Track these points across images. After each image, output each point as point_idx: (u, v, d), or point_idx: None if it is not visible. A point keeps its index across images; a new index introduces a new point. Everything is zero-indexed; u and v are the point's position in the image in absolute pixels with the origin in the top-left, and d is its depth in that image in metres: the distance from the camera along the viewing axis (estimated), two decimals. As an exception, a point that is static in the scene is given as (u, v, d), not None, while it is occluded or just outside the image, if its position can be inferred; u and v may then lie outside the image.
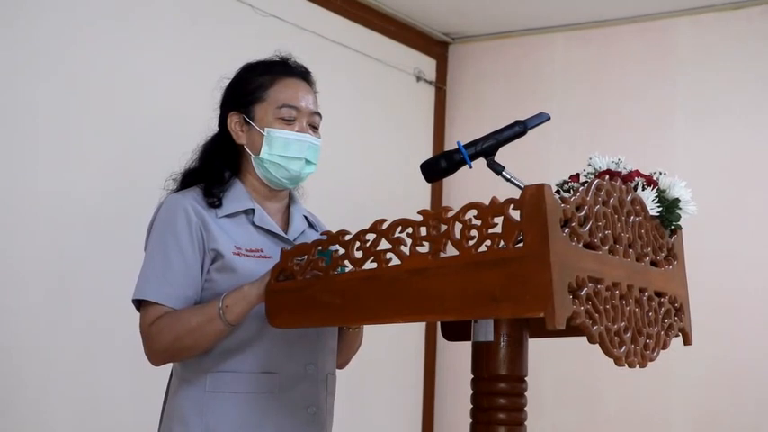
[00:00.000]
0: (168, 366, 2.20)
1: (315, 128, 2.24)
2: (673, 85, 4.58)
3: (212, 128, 2.30)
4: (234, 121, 2.22)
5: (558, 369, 4.55)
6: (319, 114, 2.25)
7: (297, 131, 2.19)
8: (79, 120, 3.26)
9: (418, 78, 4.95)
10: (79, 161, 3.25)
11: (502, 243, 1.63)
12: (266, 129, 2.17)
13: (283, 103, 2.19)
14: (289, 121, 2.18)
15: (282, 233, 2.21)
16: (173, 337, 2.04)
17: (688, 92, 4.54)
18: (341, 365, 2.32)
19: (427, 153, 4.87)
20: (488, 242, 1.64)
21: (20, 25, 3.10)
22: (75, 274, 3.21)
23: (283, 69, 2.25)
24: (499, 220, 1.65)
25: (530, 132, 2.04)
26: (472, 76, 5.10)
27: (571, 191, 1.86)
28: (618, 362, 1.71)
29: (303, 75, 2.27)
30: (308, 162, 2.21)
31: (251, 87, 2.21)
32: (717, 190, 4.29)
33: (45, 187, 3.14)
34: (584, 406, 4.61)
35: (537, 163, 4.41)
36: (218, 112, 2.28)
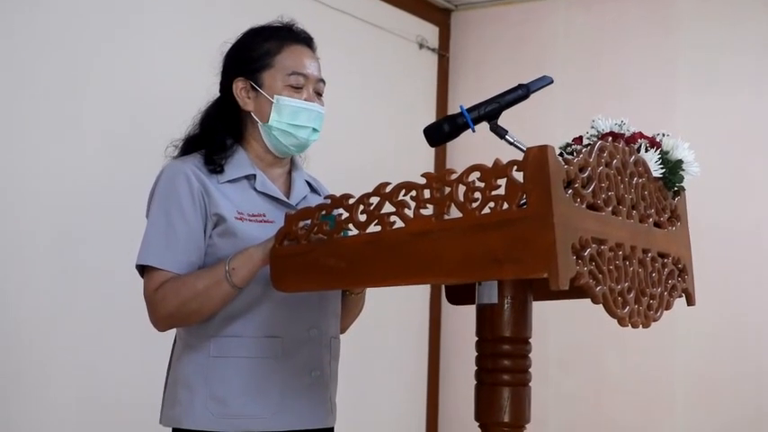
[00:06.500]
0: (173, 332, 2.21)
1: (319, 95, 2.23)
2: (674, 51, 4.56)
3: (213, 94, 2.28)
4: (240, 87, 2.20)
5: (563, 335, 4.57)
6: (323, 81, 2.24)
7: (305, 99, 2.18)
8: (81, 93, 3.25)
9: (421, 46, 4.93)
10: (82, 135, 3.24)
11: (505, 205, 1.62)
12: (276, 96, 2.16)
13: (292, 70, 2.18)
14: (297, 89, 2.18)
15: (284, 198, 2.20)
16: (178, 302, 2.04)
17: (690, 57, 4.53)
18: (341, 331, 2.31)
19: (430, 120, 4.79)
20: (492, 204, 1.64)
21: (20, 3, 3.08)
22: (78, 244, 3.21)
23: (289, 35, 2.23)
24: (503, 182, 1.64)
25: (532, 97, 2.04)
26: (475, 43, 5.08)
27: (574, 153, 1.85)
28: (621, 322, 1.71)
29: (307, 41, 2.26)
30: (314, 130, 2.20)
31: (257, 53, 2.19)
32: (720, 155, 4.29)
33: (47, 161, 3.14)
34: (588, 372, 4.63)
35: (539, 128, 4.38)
36: (219, 78, 2.26)
